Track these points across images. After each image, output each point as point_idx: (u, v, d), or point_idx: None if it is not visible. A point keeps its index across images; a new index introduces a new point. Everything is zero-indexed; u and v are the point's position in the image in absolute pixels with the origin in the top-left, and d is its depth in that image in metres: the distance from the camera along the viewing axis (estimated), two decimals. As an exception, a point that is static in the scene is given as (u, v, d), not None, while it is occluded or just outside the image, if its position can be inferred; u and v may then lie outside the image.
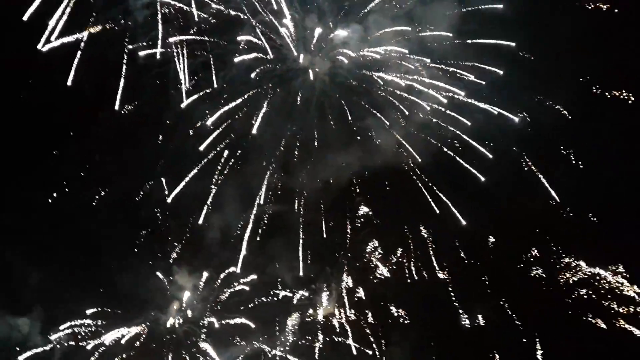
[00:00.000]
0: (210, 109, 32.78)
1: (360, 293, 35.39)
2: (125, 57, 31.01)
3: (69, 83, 29.51)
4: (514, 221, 32.96)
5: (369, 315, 34.96)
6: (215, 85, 32.53)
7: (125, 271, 33.46)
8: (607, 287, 33.03)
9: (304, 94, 33.45)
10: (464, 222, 32.44)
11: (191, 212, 33.95)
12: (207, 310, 34.41)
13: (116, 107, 31.00)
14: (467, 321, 34.16)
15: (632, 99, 32.51)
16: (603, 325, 33.02)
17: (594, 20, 32.29)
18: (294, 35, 32.72)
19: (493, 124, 32.18)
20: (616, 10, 32.44)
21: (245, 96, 32.87)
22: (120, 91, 30.74)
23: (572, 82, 32.50)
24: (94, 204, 33.51)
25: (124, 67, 30.84)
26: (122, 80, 30.95)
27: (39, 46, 29.57)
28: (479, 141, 32.18)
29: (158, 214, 34.09)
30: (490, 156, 31.73)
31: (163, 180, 33.97)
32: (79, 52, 30.03)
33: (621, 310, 32.74)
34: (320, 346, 34.19)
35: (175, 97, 32.44)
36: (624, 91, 32.57)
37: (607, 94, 32.80)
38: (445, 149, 32.89)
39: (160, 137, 33.66)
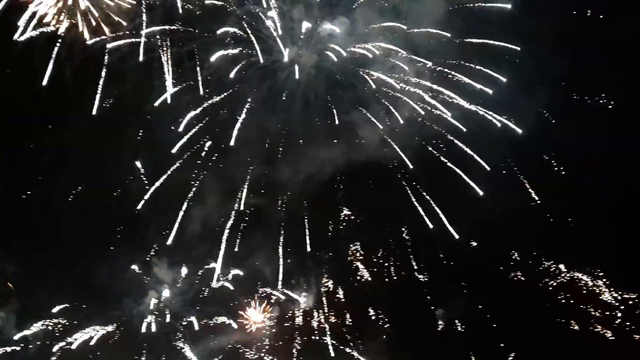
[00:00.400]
0: (194, 101, 32.17)
1: (340, 292, 35.29)
2: (107, 46, 30.30)
3: (44, 83, 28.85)
4: (495, 224, 32.83)
5: (348, 314, 34.89)
6: (200, 77, 31.89)
7: (102, 265, 32.73)
8: (584, 291, 33.40)
9: (289, 87, 32.88)
10: (456, 236, 32.46)
11: (171, 206, 33.33)
12: (185, 307, 33.98)
13: (93, 112, 30.40)
14: (445, 322, 34.29)
15: (612, 103, 32.62)
16: (577, 328, 33.41)
17: (576, 24, 32.19)
18: (280, 27, 32.08)
19: (475, 123, 32.03)
20: (601, 16, 32.37)
21: (230, 90, 32.30)
22: (99, 90, 30.09)
23: (555, 86, 32.40)
24: (70, 198, 32.85)
25: (106, 56, 30.20)
26: (104, 69, 30.31)
27: (16, 37, 28.80)
28: (462, 140, 32.08)
29: (137, 208, 33.21)
30: (477, 157, 31.62)
31: (142, 173, 33.41)
32: (59, 41, 29.30)
33: (597, 314, 33.13)
34: (299, 347, 34.02)
35: (158, 88, 31.71)
36: (603, 95, 32.68)
37: (586, 98, 32.88)
38: (430, 148, 32.72)
39: (142, 130, 33.02)
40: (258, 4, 32.00)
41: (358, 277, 35.46)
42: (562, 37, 31.68)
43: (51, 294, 32.44)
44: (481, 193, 31.72)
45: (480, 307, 33.97)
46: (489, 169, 31.58)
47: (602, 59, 31.72)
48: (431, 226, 32.39)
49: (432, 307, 34.50)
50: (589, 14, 32.50)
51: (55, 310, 32.72)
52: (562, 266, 33.75)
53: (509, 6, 31.08)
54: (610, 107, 32.82)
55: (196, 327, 33.31)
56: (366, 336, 34.56)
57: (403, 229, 34.77)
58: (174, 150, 31.98)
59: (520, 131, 31.57)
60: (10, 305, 32.89)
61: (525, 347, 33.22)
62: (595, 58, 31.91)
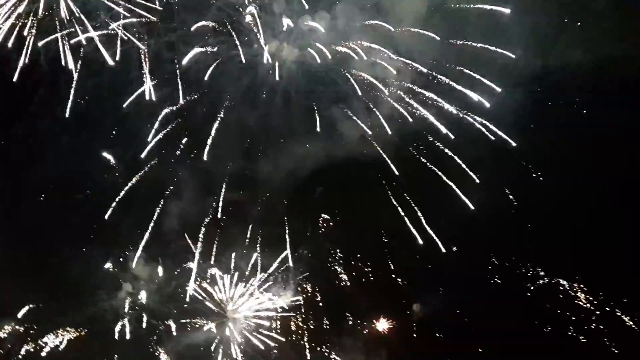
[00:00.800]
0: (171, 96, 31.41)
1: (318, 291, 35.08)
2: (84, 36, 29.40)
3: (14, 78, 27.96)
4: (474, 228, 32.67)
5: (325, 314, 34.73)
6: (178, 71, 31.10)
7: (74, 263, 31.91)
8: (561, 295, 33.57)
9: (270, 83, 32.24)
10: (443, 250, 32.19)
11: (148, 202, 32.65)
12: (162, 309, 33.38)
13: (66, 114, 29.57)
14: (421, 325, 34.26)
15: (585, 111, 32.52)
16: (551, 330, 33.63)
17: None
18: (260, 21, 31.38)
19: (458, 126, 31.74)
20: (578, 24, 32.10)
21: (209, 86, 31.58)
22: (72, 92, 29.23)
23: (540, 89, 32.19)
24: (42, 198, 31.93)
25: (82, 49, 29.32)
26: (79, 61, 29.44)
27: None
28: (442, 142, 31.77)
29: (113, 204, 32.38)
30: (465, 167, 31.40)
31: (116, 169, 32.68)
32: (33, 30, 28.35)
33: (573, 318, 33.39)
34: (275, 350, 33.80)
35: (135, 81, 30.86)
36: (577, 99, 32.51)
37: (560, 102, 32.72)
38: (412, 150, 32.42)
39: (116, 125, 32.17)
40: (238, -3, 31.21)
41: (336, 278, 35.23)
42: (554, 43, 31.31)
43: (20, 294, 31.58)
44: (472, 207, 31.52)
45: (458, 311, 33.98)
46: (478, 181, 31.32)
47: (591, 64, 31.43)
48: (421, 242, 32.18)
49: (408, 312, 34.36)
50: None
51: (24, 311, 31.85)
52: (539, 270, 33.88)
53: (507, 11, 30.33)
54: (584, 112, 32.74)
55: (173, 330, 32.84)
56: (343, 336, 34.43)
57: (382, 231, 34.56)
58: (143, 155, 31.47)
59: (514, 144, 31.14)
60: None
61: (503, 351, 33.32)
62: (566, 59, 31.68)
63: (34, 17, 28.63)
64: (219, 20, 31.25)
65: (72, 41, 29.58)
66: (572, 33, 31.56)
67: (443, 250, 32.02)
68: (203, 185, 33.10)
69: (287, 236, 33.91)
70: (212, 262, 33.72)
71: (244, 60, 31.06)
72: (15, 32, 28.89)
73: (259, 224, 34.24)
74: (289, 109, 32.78)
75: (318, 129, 32.30)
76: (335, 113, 32.84)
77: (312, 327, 34.38)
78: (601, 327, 33.04)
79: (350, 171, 33.71)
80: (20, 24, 28.60)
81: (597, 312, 33.01)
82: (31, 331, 31.99)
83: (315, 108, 32.54)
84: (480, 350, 33.34)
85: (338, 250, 35.57)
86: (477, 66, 30.96)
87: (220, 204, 32.91)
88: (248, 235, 34.11)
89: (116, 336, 32.21)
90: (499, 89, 30.81)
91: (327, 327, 34.47)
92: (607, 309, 32.81)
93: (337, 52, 31.90)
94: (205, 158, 31.32)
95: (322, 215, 35.68)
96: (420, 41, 31.25)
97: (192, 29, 30.75)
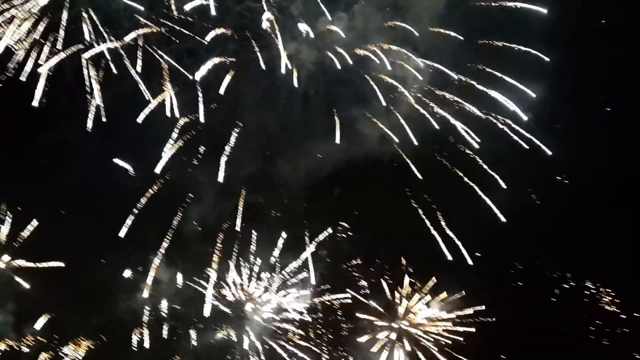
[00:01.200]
0: (191, 103, 31.22)
1: (337, 296, 34.98)
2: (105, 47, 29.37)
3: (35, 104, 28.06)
4: (498, 232, 32.28)
5: (344, 320, 34.71)
6: (197, 79, 30.89)
7: (93, 272, 32.08)
8: (588, 300, 33.29)
9: (289, 86, 31.91)
10: (470, 262, 31.73)
11: (167, 208, 32.58)
12: (182, 319, 33.44)
13: (89, 127, 29.72)
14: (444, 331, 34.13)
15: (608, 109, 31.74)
16: (577, 336, 33.48)
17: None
18: (278, 25, 31.05)
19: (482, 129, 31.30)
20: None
21: (228, 91, 31.32)
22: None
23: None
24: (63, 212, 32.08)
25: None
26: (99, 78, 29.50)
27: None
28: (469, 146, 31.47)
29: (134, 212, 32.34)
30: (494, 174, 30.95)
31: (134, 176, 32.64)
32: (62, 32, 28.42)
33: (598, 322, 33.11)
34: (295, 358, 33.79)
35: (155, 89, 30.75)
36: (601, 96, 31.86)
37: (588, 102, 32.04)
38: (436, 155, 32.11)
39: (136, 135, 31.97)
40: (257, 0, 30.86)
41: (354, 280, 35.09)
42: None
43: (40, 303, 31.82)
44: (503, 220, 31.01)
45: (483, 319, 33.72)
46: (505, 186, 30.80)
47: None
48: (450, 257, 31.75)
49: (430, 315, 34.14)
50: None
51: (41, 320, 32.06)
52: (565, 273, 33.62)
53: (544, 11, 29.36)
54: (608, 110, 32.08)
55: (193, 336, 32.88)
56: (362, 341, 34.30)
57: (402, 234, 34.32)
58: (157, 170, 31.28)
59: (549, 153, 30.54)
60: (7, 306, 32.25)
61: (526, 355, 33.12)
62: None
63: (56, 31, 28.76)
64: (236, 26, 31.00)
65: (93, 53, 29.61)
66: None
67: (470, 262, 31.67)
68: (222, 190, 32.90)
69: (306, 238, 33.83)
70: (231, 266, 33.71)
71: (263, 67, 30.78)
72: (37, 46, 29.10)
73: (278, 226, 34.09)
74: (308, 114, 32.56)
75: (337, 141, 31.88)
76: (356, 116, 32.53)
77: (330, 330, 34.32)
78: (626, 330, 32.77)
79: (371, 173, 33.45)
80: (42, 38, 28.72)
81: (623, 316, 32.74)
82: (51, 343, 32.22)
83: (335, 111, 32.21)
84: (502, 354, 33.24)
85: (357, 252, 35.45)
86: (504, 67, 30.46)
87: (240, 208, 32.73)
88: (267, 238, 33.98)
89: (135, 345, 32.40)
90: (533, 94, 30.18)
91: (346, 331, 34.41)
92: (636, 314, 32.52)
93: (356, 55, 31.56)
94: (220, 180, 31.12)
95: (342, 217, 35.44)
96: (442, 41, 30.83)
97: (210, 36, 30.50)
